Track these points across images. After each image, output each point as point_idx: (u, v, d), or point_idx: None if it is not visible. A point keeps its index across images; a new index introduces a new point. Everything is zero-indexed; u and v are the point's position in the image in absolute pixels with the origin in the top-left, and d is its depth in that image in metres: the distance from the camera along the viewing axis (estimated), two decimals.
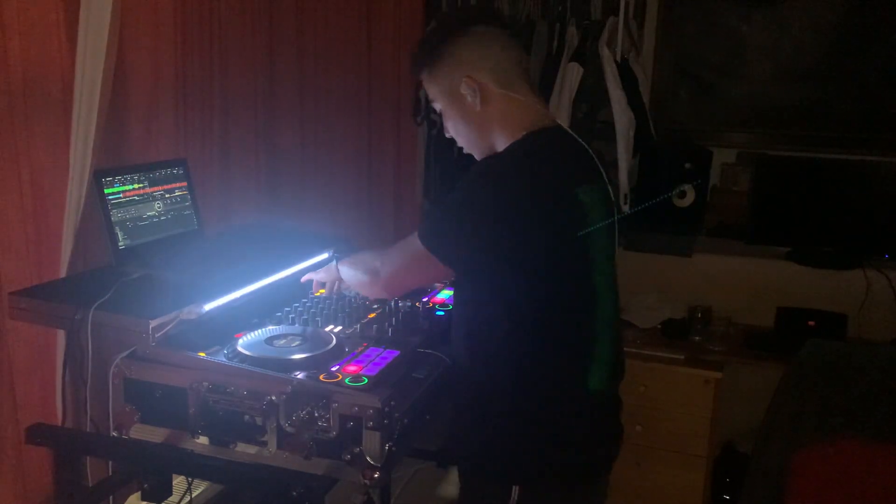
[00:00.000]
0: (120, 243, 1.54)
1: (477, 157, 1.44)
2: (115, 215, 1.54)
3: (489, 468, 1.36)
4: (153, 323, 1.28)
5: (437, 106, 1.44)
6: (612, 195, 1.41)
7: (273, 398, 1.21)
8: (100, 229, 1.53)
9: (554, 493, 1.35)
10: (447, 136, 1.47)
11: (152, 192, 1.64)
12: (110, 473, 1.45)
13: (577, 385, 1.35)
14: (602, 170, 1.40)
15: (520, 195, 1.24)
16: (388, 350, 1.37)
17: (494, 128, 1.38)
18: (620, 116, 2.66)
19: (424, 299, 1.69)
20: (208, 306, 1.40)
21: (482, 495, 1.39)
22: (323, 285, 1.66)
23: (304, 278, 1.67)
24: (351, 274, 1.52)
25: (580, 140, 1.40)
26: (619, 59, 2.69)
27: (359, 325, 1.49)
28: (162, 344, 1.29)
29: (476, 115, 1.38)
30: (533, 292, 1.28)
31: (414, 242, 1.32)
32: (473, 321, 1.35)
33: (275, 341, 1.36)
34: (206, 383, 1.25)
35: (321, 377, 1.23)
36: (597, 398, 1.38)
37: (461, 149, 1.46)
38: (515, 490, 1.32)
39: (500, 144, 1.38)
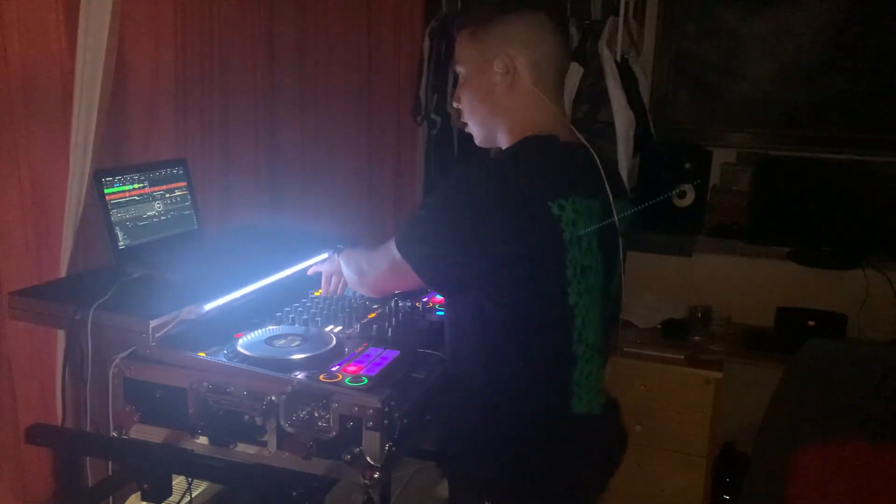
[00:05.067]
0: (120, 243, 1.54)
1: (476, 138, 1.41)
2: (115, 215, 1.54)
3: (465, 478, 1.35)
4: (153, 323, 1.28)
5: (461, 70, 1.37)
6: (613, 208, 1.32)
7: (273, 398, 1.21)
8: (100, 229, 1.53)
9: None
10: (455, 105, 1.41)
11: (152, 192, 1.64)
12: (110, 473, 1.45)
13: (557, 406, 1.31)
14: (605, 181, 1.32)
15: (487, 209, 1.19)
16: (388, 350, 1.37)
17: (504, 119, 1.34)
18: (620, 116, 2.66)
19: (424, 299, 1.69)
20: (208, 306, 1.40)
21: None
22: (330, 277, 1.64)
23: (311, 271, 1.66)
24: (345, 270, 1.51)
25: (588, 148, 1.34)
26: (619, 59, 2.69)
27: (359, 325, 1.49)
28: (162, 344, 1.29)
29: (495, 98, 1.33)
30: (503, 308, 1.24)
31: (392, 248, 1.29)
32: (457, 331, 1.33)
33: (275, 341, 1.36)
34: (206, 383, 1.25)
35: (321, 377, 1.23)
36: (582, 421, 1.33)
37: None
38: None
39: (502, 140, 1.35)
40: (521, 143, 1.30)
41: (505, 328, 1.26)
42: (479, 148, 1.46)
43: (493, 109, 1.35)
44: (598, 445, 1.39)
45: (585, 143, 1.35)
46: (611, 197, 1.33)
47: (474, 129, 1.40)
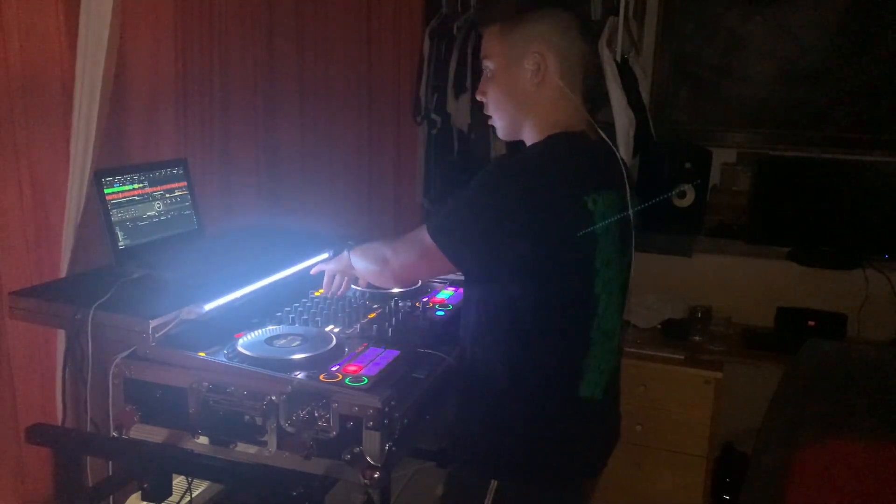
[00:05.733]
0: (120, 243, 1.54)
1: (500, 132, 1.42)
2: (115, 215, 1.54)
3: (472, 459, 1.37)
4: (153, 323, 1.28)
5: (489, 65, 1.38)
6: (629, 202, 1.37)
7: (273, 398, 1.21)
8: (100, 229, 1.53)
9: (531, 492, 1.35)
10: (478, 97, 1.43)
11: (152, 192, 1.64)
12: (110, 473, 1.45)
13: (566, 390, 1.34)
14: (625, 176, 1.37)
15: (526, 201, 1.23)
16: (388, 350, 1.37)
17: (531, 115, 1.36)
18: (620, 116, 2.66)
19: (424, 299, 1.69)
20: (208, 306, 1.39)
21: (464, 484, 1.40)
22: (333, 276, 1.61)
23: (314, 270, 1.63)
24: (361, 264, 1.50)
25: (608, 142, 1.38)
26: (619, 58, 2.69)
27: (359, 325, 1.49)
28: (162, 344, 1.29)
29: (524, 94, 1.35)
30: (532, 295, 1.28)
31: (423, 235, 1.31)
32: (478, 316, 1.36)
33: (275, 341, 1.36)
34: (206, 383, 1.25)
35: (321, 377, 1.23)
36: (586, 405, 1.37)
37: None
38: (493, 484, 1.32)
39: (528, 134, 1.37)
40: (552, 138, 1.33)
41: (530, 315, 1.29)
42: (481, 148, 1.47)
43: (521, 105, 1.37)
44: (597, 429, 1.43)
45: (607, 139, 1.39)
46: (628, 192, 1.37)
47: (498, 123, 1.42)
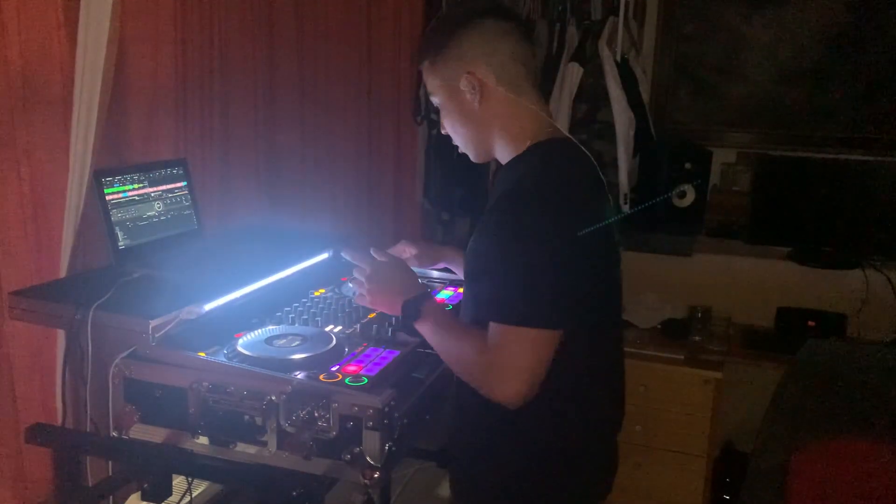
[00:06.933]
0: (120, 243, 1.54)
1: (472, 157, 1.40)
2: (115, 215, 1.54)
3: (488, 489, 1.34)
4: (153, 323, 1.28)
5: (436, 100, 1.37)
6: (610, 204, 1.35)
7: (273, 398, 1.21)
8: (100, 229, 1.53)
9: None
10: (443, 132, 1.42)
11: (152, 192, 1.64)
12: (110, 473, 1.45)
13: (589, 412, 1.31)
14: (603, 180, 1.35)
15: (565, 227, 1.18)
16: (388, 350, 1.37)
17: (494, 131, 1.33)
18: (620, 116, 2.66)
19: None
20: (208, 306, 1.39)
21: None
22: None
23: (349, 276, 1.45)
24: (443, 350, 1.30)
25: (579, 146, 1.35)
26: (619, 58, 2.69)
27: (359, 325, 1.49)
28: (162, 344, 1.29)
29: (475, 114, 1.32)
30: (584, 325, 1.23)
31: (507, 335, 1.17)
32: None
33: (275, 341, 1.36)
34: (206, 383, 1.25)
35: (321, 377, 1.23)
36: (605, 426, 1.37)
37: (461, 149, 1.43)
38: None
39: (500, 150, 1.34)
40: (540, 148, 1.29)
41: (574, 345, 1.23)
42: None
43: (477, 127, 1.34)
44: (613, 450, 1.43)
45: (574, 140, 1.36)
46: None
47: (467, 149, 1.40)
